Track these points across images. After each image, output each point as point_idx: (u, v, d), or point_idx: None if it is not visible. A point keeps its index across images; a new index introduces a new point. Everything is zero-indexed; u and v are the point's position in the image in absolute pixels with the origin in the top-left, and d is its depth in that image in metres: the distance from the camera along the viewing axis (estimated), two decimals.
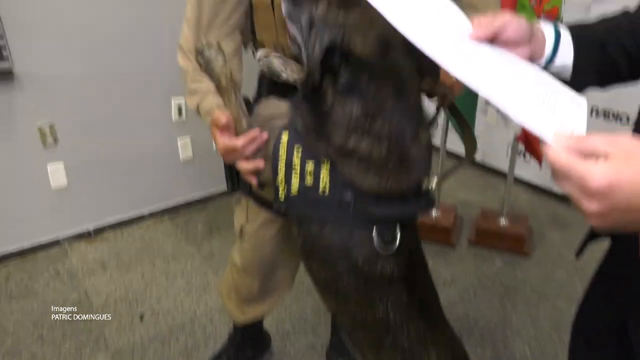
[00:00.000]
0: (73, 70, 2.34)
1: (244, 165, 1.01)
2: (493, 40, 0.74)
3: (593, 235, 0.90)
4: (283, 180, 0.93)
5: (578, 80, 0.83)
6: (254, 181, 1.03)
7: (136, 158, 2.67)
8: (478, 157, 3.36)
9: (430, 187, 0.90)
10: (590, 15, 2.47)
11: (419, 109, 0.93)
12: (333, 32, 0.83)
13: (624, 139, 0.52)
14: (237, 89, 1.11)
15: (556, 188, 2.59)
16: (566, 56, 0.80)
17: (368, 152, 0.86)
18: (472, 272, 2.39)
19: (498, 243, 2.54)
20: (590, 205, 0.53)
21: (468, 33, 0.73)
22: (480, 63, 0.68)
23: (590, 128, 2.22)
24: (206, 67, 1.11)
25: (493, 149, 3.25)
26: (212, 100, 1.11)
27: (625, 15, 0.83)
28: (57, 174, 2.45)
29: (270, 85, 1.21)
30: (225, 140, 1.01)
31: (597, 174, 0.50)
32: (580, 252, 0.94)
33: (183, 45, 1.18)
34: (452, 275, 2.36)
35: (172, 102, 2.68)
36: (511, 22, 0.74)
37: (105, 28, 2.37)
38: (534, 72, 0.74)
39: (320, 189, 0.90)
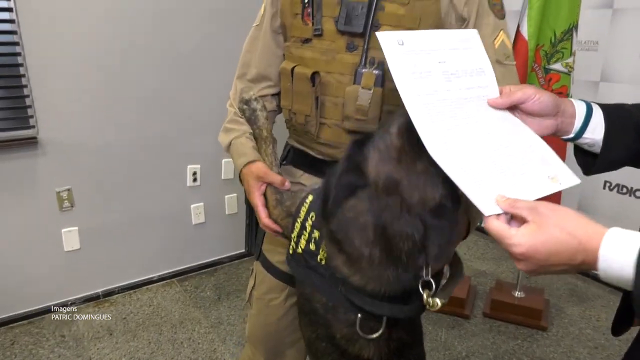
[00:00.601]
0: (94, 138, 2.43)
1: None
2: (513, 108, 0.82)
3: (628, 322, 0.87)
4: (295, 236, 0.97)
5: (607, 157, 0.86)
6: (275, 227, 1.10)
7: (149, 223, 2.70)
8: None
9: (428, 302, 0.83)
10: (598, 94, 2.55)
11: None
12: (373, 143, 0.83)
13: (543, 207, 0.64)
14: (275, 142, 1.21)
15: None
16: (597, 132, 0.85)
17: (354, 252, 0.82)
18: (488, 346, 2.30)
19: (514, 316, 2.47)
20: (519, 265, 0.65)
21: (487, 97, 0.82)
22: (454, 130, 0.76)
23: (604, 202, 2.22)
24: (250, 116, 1.22)
25: None
26: (246, 142, 1.20)
27: None
28: (70, 237, 2.47)
29: (295, 154, 1.27)
30: (262, 199, 1.12)
31: (516, 242, 0.63)
32: (617, 331, 0.90)
33: (231, 95, 1.30)
34: (467, 349, 2.28)
35: (188, 168, 2.74)
36: (533, 96, 0.80)
37: (126, 100, 2.47)
38: (527, 143, 0.79)
39: (319, 258, 0.92)
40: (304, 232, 0.96)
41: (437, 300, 0.81)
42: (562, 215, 0.63)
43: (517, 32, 2.09)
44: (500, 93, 0.84)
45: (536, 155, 0.78)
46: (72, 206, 2.43)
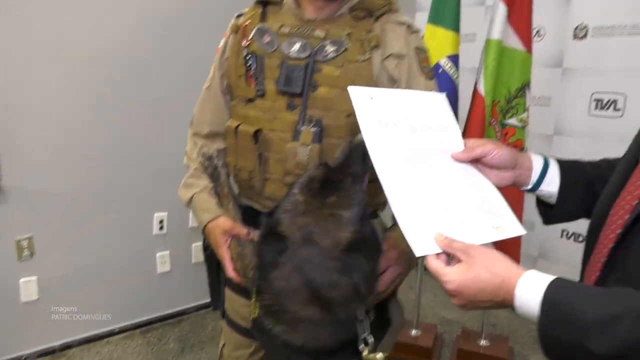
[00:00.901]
0: (59, 185, 2.39)
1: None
2: (476, 161, 0.90)
3: None
4: (253, 301, 1.01)
5: (563, 209, 0.95)
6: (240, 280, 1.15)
7: (112, 272, 2.62)
8: None
9: (368, 358, 0.87)
10: (552, 147, 2.70)
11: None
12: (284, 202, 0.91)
13: (474, 249, 0.72)
14: (234, 197, 1.26)
15: None
16: (552, 185, 0.93)
17: (292, 317, 0.88)
18: None
19: None
20: (453, 300, 0.73)
21: (452, 152, 0.89)
22: (415, 177, 0.82)
23: (562, 249, 2.31)
24: (212, 172, 1.28)
25: None
26: (209, 198, 1.26)
27: (615, 160, 0.94)
28: (28, 288, 2.37)
29: (244, 212, 1.29)
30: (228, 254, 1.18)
31: (449, 279, 0.71)
32: None
33: (188, 151, 1.37)
34: None
35: (155, 216, 2.72)
36: (493, 151, 0.89)
37: (92, 147, 2.46)
38: (481, 194, 0.86)
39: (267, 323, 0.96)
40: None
41: (378, 356, 0.85)
42: (490, 257, 0.72)
43: (475, 89, 2.22)
44: (465, 147, 0.91)
45: (488, 205, 0.84)
46: (32, 255, 2.35)
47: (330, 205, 0.85)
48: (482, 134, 2.17)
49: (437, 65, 2.20)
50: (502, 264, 0.71)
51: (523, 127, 2.22)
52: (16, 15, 2.15)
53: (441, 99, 0.98)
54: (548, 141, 2.67)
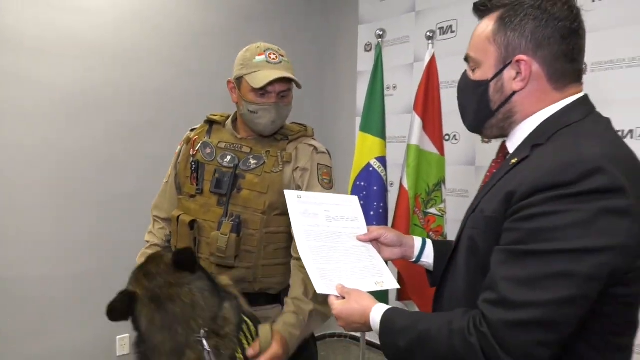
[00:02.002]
0: (35, 273, 2.56)
1: None
2: (375, 241, 1.27)
3: None
4: None
5: (437, 275, 1.29)
6: None
7: (72, 357, 2.71)
8: None
9: None
10: None
11: None
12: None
13: (354, 292, 1.08)
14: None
15: None
16: (430, 258, 1.30)
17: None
18: None
19: None
20: (338, 322, 1.08)
21: (357, 234, 1.27)
22: (325, 247, 1.20)
23: None
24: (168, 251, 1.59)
25: None
26: None
27: None
28: None
29: None
30: None
31: (334, 307, 1.07)
32: None
33: (150, 227, 1.68)
34: None
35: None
36: (384, 234, 1.26)
37: (73, 236, 2.69)
38: (371, 262, 1.23)
39: None
40: None
41: None
42: (361, 295, 1.07)
43: (401, 183, 2.64)
44: (367, 231, 1.28)
45: (375, 269, 1.22)
46: None
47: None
48: (408, 221, 2.56)
49: (369, 165, 2.64)
50: (367, 299, 1.06)
51: (442, 215, 2.64)
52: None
53: (354, 199, 1.37)
54: None
